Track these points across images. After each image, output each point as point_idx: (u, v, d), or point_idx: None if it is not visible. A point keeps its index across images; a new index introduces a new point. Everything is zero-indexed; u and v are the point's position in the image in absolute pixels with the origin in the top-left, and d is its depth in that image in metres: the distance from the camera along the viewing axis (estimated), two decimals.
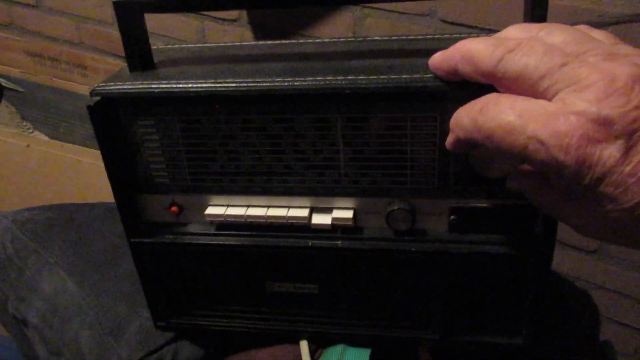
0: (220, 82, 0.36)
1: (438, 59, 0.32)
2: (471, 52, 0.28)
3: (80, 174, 1.19)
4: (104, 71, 1.12)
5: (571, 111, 0.24)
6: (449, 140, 0.31)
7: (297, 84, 0.35)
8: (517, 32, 0.30)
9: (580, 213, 0.26)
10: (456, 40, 0.41)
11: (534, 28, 0.29)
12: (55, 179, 1.21)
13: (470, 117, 0.27)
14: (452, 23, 0.78)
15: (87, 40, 1.13)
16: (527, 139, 0.25)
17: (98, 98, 0.38)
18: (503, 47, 0.27)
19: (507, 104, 0.26)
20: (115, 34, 1.09)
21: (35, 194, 1.24)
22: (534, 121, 0.24)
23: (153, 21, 1.02)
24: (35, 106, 1.22)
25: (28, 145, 1.22)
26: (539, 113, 0.25)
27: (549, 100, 0.25)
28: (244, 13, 0.95)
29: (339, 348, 0.46)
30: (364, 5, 0.83)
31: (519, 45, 0.26)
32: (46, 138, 1.24)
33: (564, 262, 0.87)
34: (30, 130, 1.25)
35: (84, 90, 1.15)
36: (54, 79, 1.17)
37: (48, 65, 1.17)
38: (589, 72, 0.24)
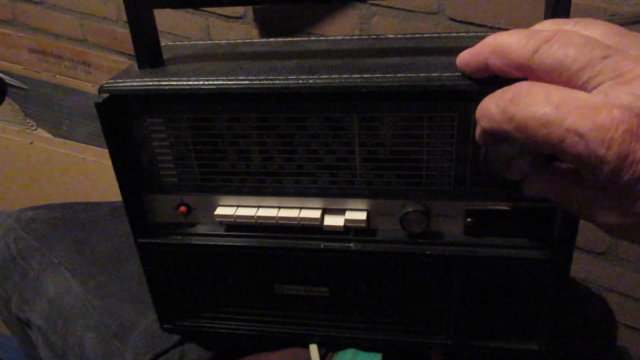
0: (232, 79, 0.35)
1: (466, 56, 0.31)
2: (503, 44, 0.27)
3: (83, 172, 1.18)
4: (108, 68, 1.11)
5: (615, 104, 0.23)
6: (477, 131, 0.29)
7: (312, 82, 0.34)
8: (550, 25, 0.28)
9: (613, 212, 0.25)
10: (470, 38, 0.40)
11: (568, 22, 0.28)
12: (59, 177, 1.20)
13: (501, 106, 0.26)
14: (460, 21, 0.77)
15: (91, 37, 1.12)
16: (565, 131, 0.23)
17: (106, 95, 0.37)
18: (538, 37, 0.26)
19: (542, 93, 0.24)
20: (120, 31, 1.08)
21: (38, 191, 1.23)
22: (573, 113, 0.23)
23: (157, 18, 1.01)
24: (39, 103, 1.21)
25: (31, 143, 1.21)
26: (578, 105, 0.23)
27: (589, 92, 0.24)
28: (250, 10, 0.94)
29: (349, 352, 0.45)
30: (372, 3, 0.82)
31: (556, 36, 0.25)
32: (49, 135, 1.24)
33: (572, 264, 0.86)
34: (34, 128, 1.24)
35: (88, 87, 1.14)
36: (57, 76, 1.16)
37: (51, 62, 1.16)
38: (633, 65, 0.23)
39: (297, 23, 0.90)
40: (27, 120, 1.24)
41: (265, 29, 0.94)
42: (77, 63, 1.14)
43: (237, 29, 0.97)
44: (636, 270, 0.82)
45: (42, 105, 1.21)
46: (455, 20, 0.77)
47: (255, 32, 0.96)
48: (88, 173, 1.16)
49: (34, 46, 1.16)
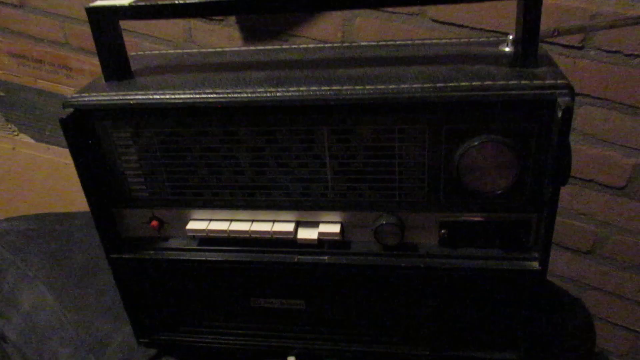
0: (200, 93, 0.35)
1: None
2: None
3: (67, 177, 1.16)
4: (90, 72, 1.09)
5: None
6: None
7: (280, 94, 0.33)
8: None
9: None
10: (444, 45, 0.40)
11: None
12: (42, 182, 1.19)
13: None
14: (442, 22, 0.76)
15: (73, 40, 1.11)
16: None
17: (71, 110, 0.36)
18: None
19: None
20: None
21: (21, 197, 1.21)
22: None
23: (137, 20, 0.99)
24: (20, 108, 1.19)
25: (13, 148, 1.19)
26: None
27: None
28: None
29: None
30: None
31: None
32: (32, 141, 1.22)
33: (557, 263, 0.86)
34: (16, 133, 1.23)
35: (70, 91, 1.13)
36: (38, 80, 1.15)
37: (32, 66, 1.14)
38: None
39: (279, 25, 0.89)
40: (9, 126, 1.22)
41: (247, 31, 0.94)
42: (58, 67, 1.13)
43: (219, 32, 0.96)
44: (621, 268, 0.82)
45: (24, 110, 1.19)
46: (437, 22, 0.77)
47: (237, 34, 0.95)
48: (71, 178, 1.14)
49: (14, 50, 1.15)
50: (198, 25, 0.97)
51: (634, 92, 0.66)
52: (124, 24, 0.37)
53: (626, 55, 0.64)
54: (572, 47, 0.66)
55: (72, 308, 0.49)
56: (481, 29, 0.73)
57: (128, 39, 0.38)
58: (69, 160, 1.13)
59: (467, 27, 0.74)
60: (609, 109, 0.69)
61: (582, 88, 0.68)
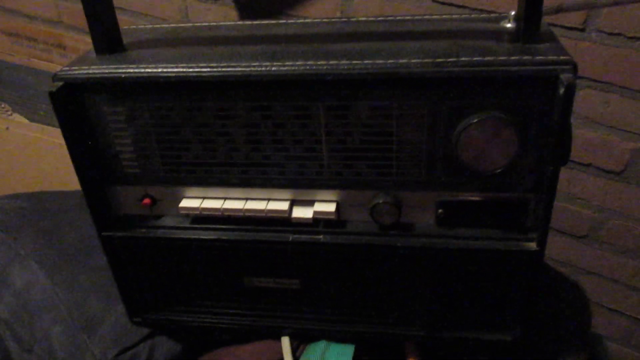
0: (193, 67, 0.34)
1: None
2: None
3: (61, 158, 1.15)
4: (84, 51, 1.08)
5: None
6: None
7: (275, 68, 0.33)
8: None
9: None
10: (444, 21, 0.39)
11: None
12: (35, 163, 1.18)
13: None
14: (442, 3, 0.75)
15: (67, 19, 1.09)
16: None
17: (61, 83, 0.35)
18: None
19: None
20: None
21: (14, 178, 1.20)
22: None
23: None
24: (13, 87, 1.17)
25: (7, 128, 1.18)
26: None
27: None
28: None
29: (321, 344, 0.44)
30: None
31: None
32: (25, 121, 1.21)
33: (552, 247, 0.86)
34: (9, 113, 1.21)
35: None
36: (32, 59, 1.13)
37: (25, 45, 1.13)
38: None
39: (276, 4, 0.88)
40: (2, 105, 1.21)
41: (244, 10, 0.92)
42: (52, 46, 1.11)
43: (215, 11, 0.94)
44: (616, 253, 0.82)
45: (18, 89, 1.18)
46: (437, 2, 0.76)
47: (234, 13, 0.93)
48: (65, 159, 1.13)
49: (7, 29, 1.13)
50: (194, 4, 0.95)
51: (635, 75, 0.65)
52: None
53: (628, 37, 0.63)
54: (574, 28, 0.66)
55: (65, 287, 0.49)
56: (481, 10, 0.71)
57: (123, 18, 0.37)
58: (63, 141, 1.12)
59: (467, 7, 0.73)
60: (609, 92, 0.68)
61: (583, 71, 0.67)
